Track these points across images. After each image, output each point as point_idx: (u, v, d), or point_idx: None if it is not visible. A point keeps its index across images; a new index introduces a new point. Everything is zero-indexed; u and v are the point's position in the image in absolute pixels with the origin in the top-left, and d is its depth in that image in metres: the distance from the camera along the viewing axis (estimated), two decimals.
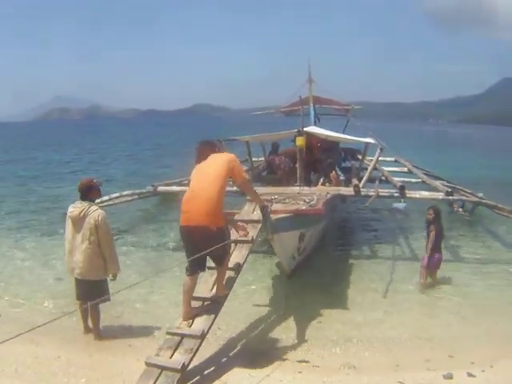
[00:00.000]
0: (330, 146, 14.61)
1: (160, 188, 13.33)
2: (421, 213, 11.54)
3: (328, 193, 10.44)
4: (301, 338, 6.90)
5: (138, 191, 13.96)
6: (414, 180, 15.66)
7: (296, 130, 11.80)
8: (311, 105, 16.49)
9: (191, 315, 6.07)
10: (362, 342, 6.87)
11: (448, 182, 15.43)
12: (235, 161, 6.18)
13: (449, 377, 5.75)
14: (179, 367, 5.25)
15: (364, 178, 12.29)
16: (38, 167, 29.62)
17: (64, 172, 26.52)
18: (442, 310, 8.25)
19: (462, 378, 5.77)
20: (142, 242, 11.99)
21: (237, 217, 8.08)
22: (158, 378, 5.23)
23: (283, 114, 19.82)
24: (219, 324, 6.51)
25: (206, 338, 5.86)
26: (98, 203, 7.14)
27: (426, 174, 16.07)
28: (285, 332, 7.13)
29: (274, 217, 7.12)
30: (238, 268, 6.82)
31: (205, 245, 5.79)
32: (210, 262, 6.42)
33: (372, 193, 11.17)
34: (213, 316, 6.07)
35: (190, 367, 5.48)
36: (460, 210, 15.06)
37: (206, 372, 5.77)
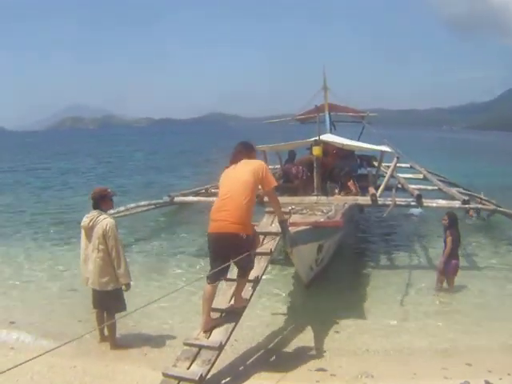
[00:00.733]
0: (346, 153, 14.52)
1: (177, 198, 13.25)
2: (437, 219, 11.48)
3: (346, 203, 10.39)
4: (318, 347, 6.87)
5: (154, 201, 13.94)
6: (429, 187, 15.46)
7: (313, 139, 11.72)
8: (327, 112, 16.37)
9: (211, 325, 6.05)
10: (379, 351, 6.85)
11: (464, 189, 15.32)
12: (266, 168, 6.20)
13: None
14: (197, 378, 5.21)
15: (381, 187, 12.16)
16: (52, 176, 29.87)
17: (79, 182, 26.68)
18: (458, 318, 8.19)
19: None
20: (158, 252, 11.98)
21: (255, 229, 8.06)
22: None
23: (298, 122, 19.73)
24: (237, 335, 6.44)
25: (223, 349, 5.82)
26: (114, 213, 7.15)
27: (441, 181, 15.97)
28: (302, 341, 7.11)
29: (292, 229, 7.07)
30: (256, 280, 6.78)
31: (233, 252, 5.85)
32: (229, 274, 6.43)
33: (389, 202, 11.08)
34: (231, 327, 6.03)
35: (207, 378, 5.43)
36: (474, 216, 14.95)
37: (223, 382, 5.74)
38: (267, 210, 9.23)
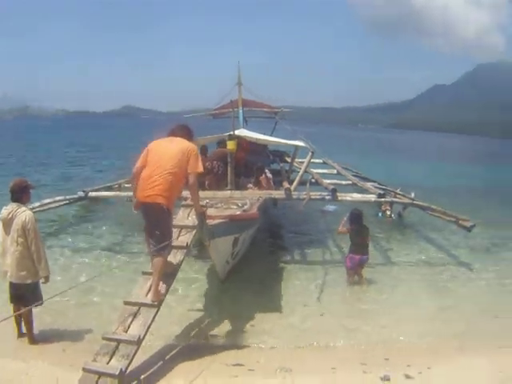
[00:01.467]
0: (259, 148, 14.71)
1: (91, 193, 13.24)
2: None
3: (260, 196, 10.47)
4: (235, 342, 6.94)
5: (69, 197, 13.66)
6: (344, 182, 15.71)
7: (227, 134, 11.69)
8: (240, 107, 16.34)
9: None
10: (296, 346, 6.94)
11: (379, 184, 15.64)
12: (196, 152, 6.40)
13: (386, 379, 5.84)
14: (117, 373, 5.26)
15: (295, 181, 12.30)
16: None
17: None
18: (373, 313, 8.36)
19: (400, 380, 5.88)
20: (73, 246, 11.77)
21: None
22: None
23: (212, 117, 19.75)
24: (154, 329, 6.41)
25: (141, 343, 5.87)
26: (30, 209, 6.90)
27: (356, 176, 16.28)
28: (219, 336, 7.19)
29: (209, 222, 7.13)
30: (172, 274, 6.86)
31: (157, 223, 6.20)
32: (145, 267, 6.72)
33: (304, 196, 11.20)
34: (149, 321, 6.09)
35: (126, 372, 5.48)
36: (388, 213, 15.28)
37: (142, 377, 5.76)
38: (183, 203, 9.21)
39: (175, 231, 7.46)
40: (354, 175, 16.77)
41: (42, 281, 6.51)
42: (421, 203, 12.96)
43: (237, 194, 10.77)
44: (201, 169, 6.40)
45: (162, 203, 6.14)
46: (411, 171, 30.82)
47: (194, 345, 6.88)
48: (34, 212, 6.84)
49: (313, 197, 11.35)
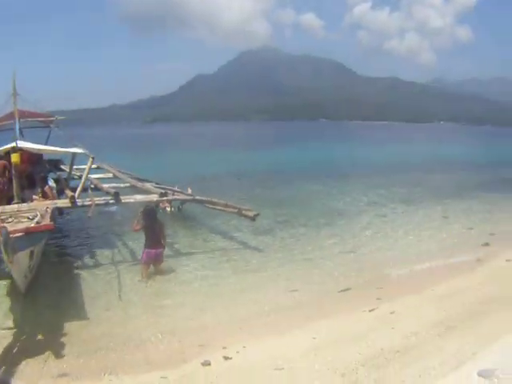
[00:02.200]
0: (37, 158, 14.52)
1: None
2: (134, 214, 11.81)
3: (48, 207, 10.38)
4: (55, 353, 6.81)
5: None
6: (122, 185, 15.92)
7: (10, 146, 11.51)
8: (17, 119, 15.96)
9: None
10: (114, 349, 7.04)
11: (156, 184, 16.25)
12: None
13: (207, 364, 6.26)
14: None
15: (78, 189, 12.43)
16: None
17: None
18: (173, 303, 8.88)
19: (220, 362, 6.32)
20: None
21: None
22: None
23: None
24: None
25: None
26: None
27: (133, 178, 16.63)
28: (34, 350, 6.90)
29: (12, 237, 7.01)
30: None
31: None
32: None
33: (88, 202, 11.45)
34: None
35: None
36: (168, 209, 16.22)
37: None
38: None
39: None
40: (132, 177, 17.12)
41: None
42: (202, 198, 13.80)
43: (24, 206, 10.61)
44: None
45: None
46: (174, 165, 32.65)
47: (11, 364, 6.47)
48: None
49: (97, 202, 11.64)
